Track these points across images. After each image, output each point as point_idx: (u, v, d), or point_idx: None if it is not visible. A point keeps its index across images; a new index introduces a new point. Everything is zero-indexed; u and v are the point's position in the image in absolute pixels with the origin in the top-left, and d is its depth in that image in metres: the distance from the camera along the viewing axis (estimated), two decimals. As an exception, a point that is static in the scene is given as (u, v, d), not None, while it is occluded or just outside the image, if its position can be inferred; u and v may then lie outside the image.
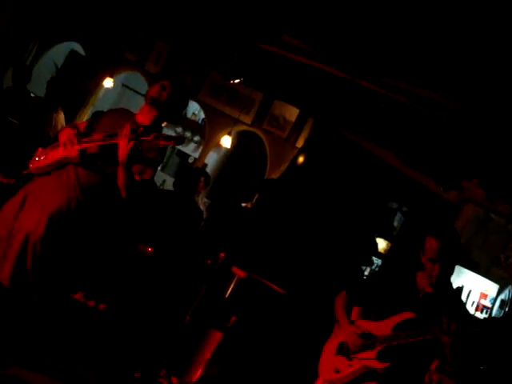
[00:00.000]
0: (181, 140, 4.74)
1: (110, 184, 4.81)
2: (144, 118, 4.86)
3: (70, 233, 4.75)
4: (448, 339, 4.08)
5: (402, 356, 4.31)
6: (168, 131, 11.80)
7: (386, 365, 4.31)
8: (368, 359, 4.40)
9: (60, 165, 4.80)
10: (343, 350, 4.58)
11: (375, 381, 4.39)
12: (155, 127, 4.85)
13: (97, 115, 5.31)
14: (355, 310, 4.73)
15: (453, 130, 6.38)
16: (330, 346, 4.72)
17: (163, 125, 4.95)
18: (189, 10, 7.76)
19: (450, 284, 4.48)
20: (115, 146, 4.64)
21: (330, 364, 4.63)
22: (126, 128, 4.60)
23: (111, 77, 12.19)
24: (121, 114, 4.99)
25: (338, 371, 4.53)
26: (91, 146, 4.73)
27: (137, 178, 4.70)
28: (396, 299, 4.48)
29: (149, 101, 4.85)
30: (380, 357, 4.34)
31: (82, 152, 4.73)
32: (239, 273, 6.41)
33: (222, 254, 5.79)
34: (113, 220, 5.56)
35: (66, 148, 4.80)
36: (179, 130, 13.81)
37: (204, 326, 6.21)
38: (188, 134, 13.84)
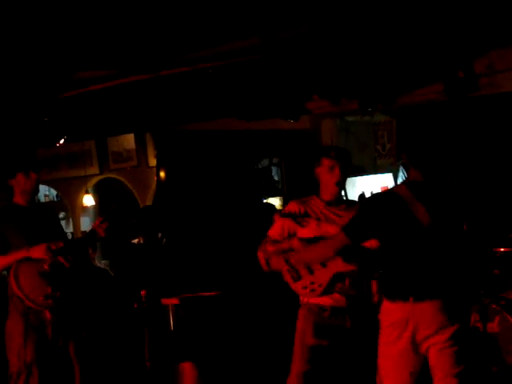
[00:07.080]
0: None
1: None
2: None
3: None
4: None
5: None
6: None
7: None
8: None
9: None
10: None
11: None
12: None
13: None
14: None
15: (272, 63, 6.43)
16: None
17: None
18: None
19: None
20: None
21: None
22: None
23: None
24: None
25: None
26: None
27: None
28: None
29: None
30: None
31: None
32: (170, 301, 6.32)
33: (143, 292, 5.72)
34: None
35: None
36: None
37: (170, 364, 6.09)
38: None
